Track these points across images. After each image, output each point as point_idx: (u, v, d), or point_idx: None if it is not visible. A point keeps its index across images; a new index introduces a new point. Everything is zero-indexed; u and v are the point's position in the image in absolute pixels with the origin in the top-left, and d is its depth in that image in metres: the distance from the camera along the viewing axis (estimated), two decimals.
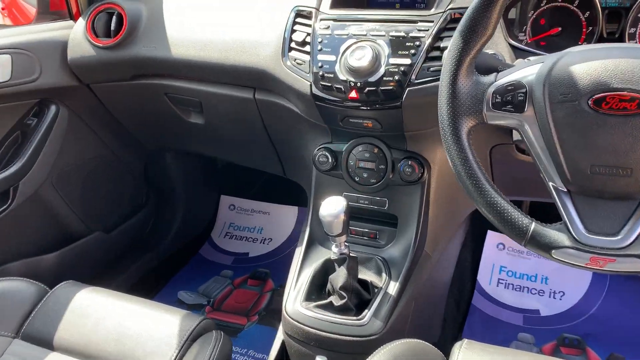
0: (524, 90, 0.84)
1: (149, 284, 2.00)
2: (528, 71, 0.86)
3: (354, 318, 1.16)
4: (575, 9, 1.14)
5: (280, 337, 1.29)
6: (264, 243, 2.17)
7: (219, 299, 1.94)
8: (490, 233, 1.87)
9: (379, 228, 1.34)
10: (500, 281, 1.81)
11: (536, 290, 1.77)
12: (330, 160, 1.30)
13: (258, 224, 2.23)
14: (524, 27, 1.19)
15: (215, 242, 2.22)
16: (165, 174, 2.04)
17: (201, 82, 1.47)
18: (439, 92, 0.89)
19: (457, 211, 1.40)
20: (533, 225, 0.84)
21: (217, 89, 1.45)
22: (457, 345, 0.99)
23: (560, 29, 1.16)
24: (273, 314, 1.85)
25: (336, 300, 1.18)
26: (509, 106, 0.85)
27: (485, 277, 1.82)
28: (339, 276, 1.18)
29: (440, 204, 1.32)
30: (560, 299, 1.72)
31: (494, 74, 0.89)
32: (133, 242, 2.00)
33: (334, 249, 1.19)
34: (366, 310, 1.17)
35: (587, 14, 1.14)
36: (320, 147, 1.32)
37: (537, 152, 0.85)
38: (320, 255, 1.32)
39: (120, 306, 1.19)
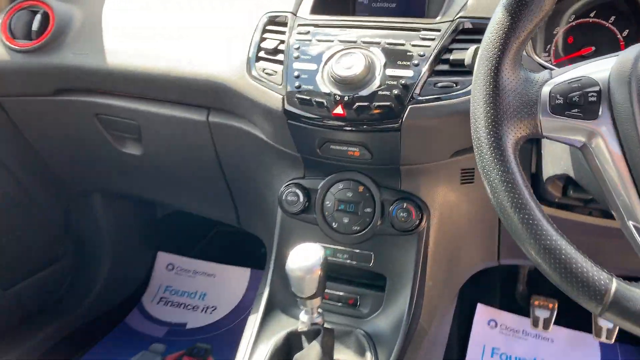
0: (595, 89, 0.60)
1: (60, 359, 1.59)
2: (598, 66, 0.63)
3: None
4: (611, 26, 0.94)
5: None
6: (206, 312, 1.81)
7: None
8: (480, 307, 1.59)
9: (361, 292, 1.05)
10: None
11: None
12: (301, 199, 1.03)
13: (200, 288, 1.87)
14: (548, 47, 0.98)
15: (146, 309, 1.84)
16: (90, 222, 1.69)
17: (142, 100, 1.20)
18: (474, 88, 0.64)
19: (459, 271, 1.12)
20: (615, 284, 0.57)
21: (161, 108, 1.17)
22: None
23: (593, 48, 0.95)
24: None
25: None
26: (576, 110, 0.61)
27: None
28: (310, 355, 0.86)
29: (439, 262, 1.04)
30: None
31: (546, 70, 0.66)
32: (42, 303, 1.60)
33: (303, 316, 0.90)
34: None
35: (625, 32, 0.94)
36: (290, 183, 1.04)
37: (612, 178, 0.60)
38: (282, 326, 1.01)
39: None
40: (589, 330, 1.45)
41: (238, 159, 1.17)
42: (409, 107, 0.87)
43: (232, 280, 1.86)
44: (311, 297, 0.86)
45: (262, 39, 1.01)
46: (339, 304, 1.05)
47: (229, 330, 1.73)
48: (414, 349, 0.96)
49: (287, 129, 0.96)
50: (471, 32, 0.91)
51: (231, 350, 1.62)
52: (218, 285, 1.86)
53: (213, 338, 1.70)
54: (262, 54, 1.00)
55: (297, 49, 0.95)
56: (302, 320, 0.89)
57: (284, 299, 1.05)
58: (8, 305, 1.47)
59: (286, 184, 1.05)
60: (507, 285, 1.65)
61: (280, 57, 0.97)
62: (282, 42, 0.99)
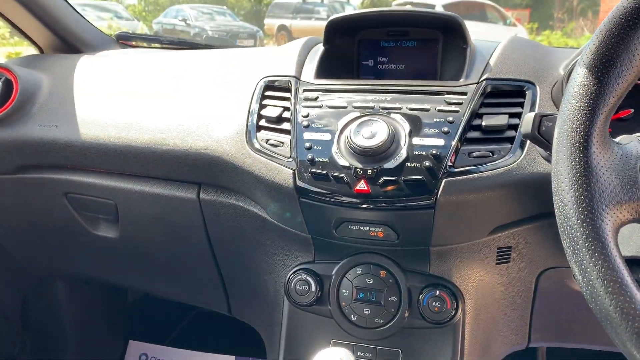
0: None
1: None
2: None
3: None
4: None
5: None
6: None
7: None
8: None
9: None
10: None
11: None
12: (313, 288, 0.89)
13: None
14: None
15: None
16: (52, 312, 1.48)
17: (120, 177, 1.06)
18: (557, 166, 0.53)
19: None
20: None
21: (143, 186, 1.03)
22: None
23: (632, 110, 0.87)
24: None
25: None
26: None
27: None
28: None
29: (472, 355, 0.90)
30: None
31: (634, 140, 0.56)
32: None
33: None
34: None
35: None
36: (298, 268, 0.90)
37: None
38: None
39: None
40: None
41: (233, 242, 1.02)
42: (444, 180, 0.76)
43: None
44: None
45: (262, 106, 0.89)
46: None
47: None
48: None
49: (299, 208, 0.83)
50: (500, 95, 0.82)
51: None
52: None
53: None
54: (263, 122, 0.88)
55: (306, 116, 0.84)
56: None
57: None
58: None
59: (293, 270, 0.91)
60: None
61: (285, 125, 0.86)
62: (286, 109, 0.87)
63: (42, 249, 1.28)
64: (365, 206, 0.78)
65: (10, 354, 1.42)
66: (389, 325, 0.86)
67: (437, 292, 0.84)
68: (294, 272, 0.90)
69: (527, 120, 0.63)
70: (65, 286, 1.46)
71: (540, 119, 0.61)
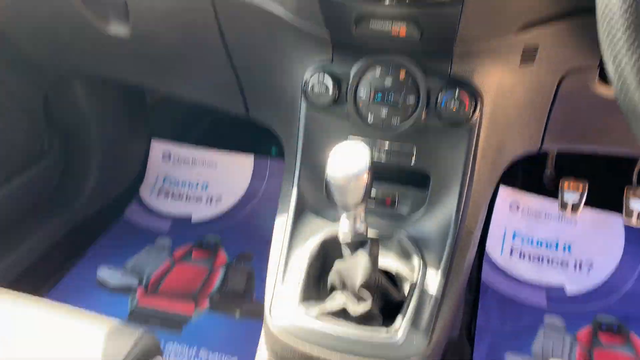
0: None
1: (57, 259, 1.51)
2: None
3: (384, 332, 0.76)
4: None
5: (263, 358, 0.86)
6: (210, 203, 1.71)
7: (155, 277, 1.48)
8: (503, 189, 1.51)
9: (399, 190, 0.94)
10: (515, 250, 1.47)
11: (558, 260, 1.44)
12: (331, 89, 0.87)
13: (202, 178, 1.75)
14: None
15: (145, 202, 1.73)
16: (74, 111, 1.51)
17: None
18: None
19: (500, 163, 1.00)
20: None
21: None
22: None
23: None
24: (229, 297, 1.41)
25: (352, 304, 0.77)
26: None
27: (496, 246, 1.47)
28: (356, 268, 0.77)
29: (486, 157, 0.92)
30: (588, 273, 1.41)
31: None
32: (31, 203, 1.48)
33: (344, 226, 0.78)
34: (399, 319, 0.78)
35: None
36: (316, 69, 0.88)
37: None
38: (313, 231, 0.91)
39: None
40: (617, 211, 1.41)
41: (249, 43, 0.98)
42: None
43: (235, 168, 1.74)
44: (355, 206, 0.75)
45: None
46: (374, 204, 0.94)
47: (236, 222, 1.64)
48: (461, 253, 0.88)
49: (317, 3, 0.78)
50: None
51: (240, 243, 1.57)
52: (220, 175, 1.74)
53: (221, 230, 1.62)
54: None
55: None
56: (344, 231, 0.79)
57: (313, 201, 0.94)
58: None
59: (311, 71, 0.89)
60: (532, 169, 1.57)
61: None
62: None
63: (54, 48, 1.26)
64: (387, 2, 0.73)
65: (39, 149, 1.49)
66: (405, 125, 0.87)
67: (457, 93, 0.82)
68: (313, 74, 0.88)
69: None
70: (84, 86, 1.47)
71: None
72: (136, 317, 1.36)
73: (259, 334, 0.89)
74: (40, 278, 1.46)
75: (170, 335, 1.31)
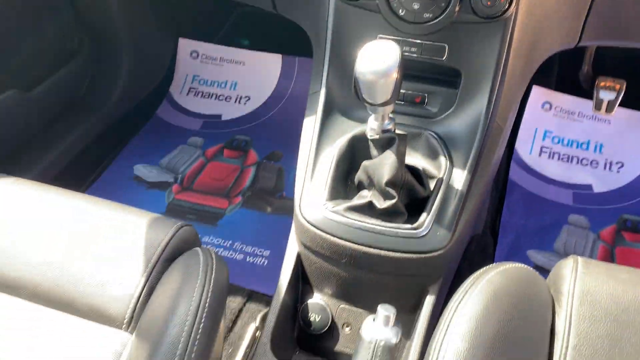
0: None
1: (93, 157, 1.56)
2: None
3: (408, 226, 0.79)
4: None
5: (293, 250, 0.91)
6: (239, 102, 1.71)
7: (189, 174, 1.53)
8: (535, 89, 1.48)
9: (429, 88, 0.93)
10: (544, 150, 1.46)
11: (588, 160, 1.43)
12: None
13: (230, 77, 1.75)
14: None
15: (175, 101, 1.75)
16: (102, 9, 1.49)
17: None
18: None
19: (535, 58, 0.98)
20: None
21: None
22: (567, 265, 0.65)
23: None
24: (260, 194, 1.46)
25: (378, 200, 0.80)
26: None
27: (526, 144, 1.47)
28: (383, 165, 0.79)
29: (520, 53, 0.90)
30: (618, 172, 1.40)
31: None
32: (65, 102, 1.51)
33: (373, 123, 0.79)
34: (424, 215, 0.80)
35: None
36: None
37: None
38: (342, 130, 0.92)
39: (47, 214, 0.78)
40: None
41: None
42: None
43: (263, 67, 1.72)
44: (384, 104, 0.75)
45: None
46: (404, 103, 0.94)
47: (266, 120, 1.66)
48: (489, 150, 0.88)
49: None
50: None
51: (271, 142, 1.60)
52: (249, 74, 1.73)
53: (251, 129, 1.64)
54: None
55: None
56: (372, 127, 0.80)
57: (342, 102, 0.94)
58: (32, 108, 1.38)
59: None
60: (568, 67, 1.51)
61: None
62: None
63: None
64: None
65: (70, 49, 1.50)
66: (437, 20, 0.84)
67: None
68: None
69: None
70: None
71: None
72: (173, 210, 1.43)
73: (289, 229, 0.93)
74: (79, 176, 1.51)
75: (206, 228, 1.39)
